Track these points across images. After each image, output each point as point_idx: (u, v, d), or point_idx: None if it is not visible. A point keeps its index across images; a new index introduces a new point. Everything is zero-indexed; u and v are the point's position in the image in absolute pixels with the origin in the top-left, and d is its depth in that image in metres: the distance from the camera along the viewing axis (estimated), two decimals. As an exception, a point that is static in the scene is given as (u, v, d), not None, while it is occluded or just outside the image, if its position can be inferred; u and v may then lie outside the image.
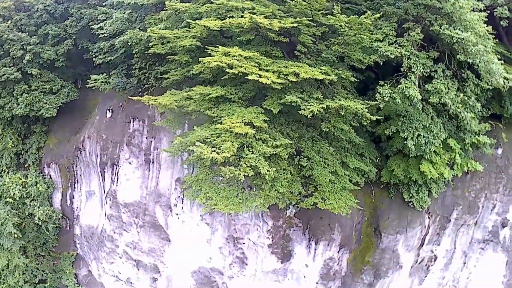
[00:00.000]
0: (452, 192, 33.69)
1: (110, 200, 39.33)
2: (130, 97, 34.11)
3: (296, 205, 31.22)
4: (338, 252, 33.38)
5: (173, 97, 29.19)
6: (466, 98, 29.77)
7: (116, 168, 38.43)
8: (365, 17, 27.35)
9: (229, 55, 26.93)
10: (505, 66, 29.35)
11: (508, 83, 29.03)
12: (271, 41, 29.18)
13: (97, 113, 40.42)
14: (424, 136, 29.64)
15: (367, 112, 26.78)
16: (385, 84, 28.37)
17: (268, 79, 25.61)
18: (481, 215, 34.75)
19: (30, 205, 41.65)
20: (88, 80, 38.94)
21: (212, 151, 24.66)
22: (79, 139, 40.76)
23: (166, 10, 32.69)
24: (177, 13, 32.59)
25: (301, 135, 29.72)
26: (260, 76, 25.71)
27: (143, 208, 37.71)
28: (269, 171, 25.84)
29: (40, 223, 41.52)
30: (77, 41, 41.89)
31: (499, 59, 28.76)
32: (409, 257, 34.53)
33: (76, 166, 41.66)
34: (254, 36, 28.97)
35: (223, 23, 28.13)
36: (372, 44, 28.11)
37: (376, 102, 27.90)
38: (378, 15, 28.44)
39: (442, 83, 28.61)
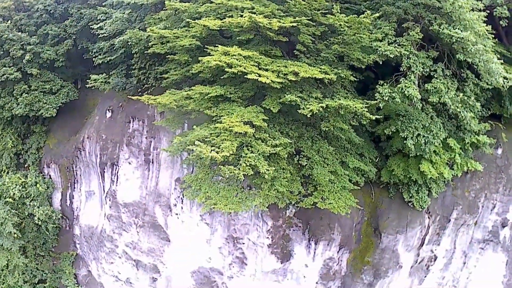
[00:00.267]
0: (452, 192, 33.67)
1: (109, 200, 39.32)
2: (130, 97, 34.15)
3: (295, 205, 31.20)
4: (338, 252, 33.35)
5: (172, 97, 29.21)
6: (465, 97, 29.74)
7: (116, 168, 38.43)
8: (364, 17, 27.35)
9: (229, 54, 26.95)
10: (504, 65, 29.34)
11: (508, 82, 28.99)
12: (271, 40, 29.19)
13: (96, 113, 40.43)
14: (423, 136, 29.63)
15: (367, 111, 26.79)
16: (385, 84, 28.37)
17: (268, 78, 25.62)
18: (481, 215, 34.72)
19: (29, 205, 41.61)
20: (87, 80, 38.91)
21: (211, 150, 24.68)
22: (78, 139, 40.75)
23: (166, 9, 32.72)
24: (176, 12, 32.64)
25: (300, 134, 29.70)
26: (260, 76, 25.73)
27: (143, 208, 37.70)
28: (268, 170, 25.81)
29: (39, 223, 41.47)
30: (77, 41, 41.89)
31: (498, 59, 28.76)
32: (409, 257, 34.50)
33: (75, 166, 41.65)
34: (254, 35, 29.01)
35: (223, 22, 28.15)
36: (371, 44, 28.13)
37: (375, 101, 27.90)
38: (377, 14, 28.44)
39: (441, 83, 28.61)
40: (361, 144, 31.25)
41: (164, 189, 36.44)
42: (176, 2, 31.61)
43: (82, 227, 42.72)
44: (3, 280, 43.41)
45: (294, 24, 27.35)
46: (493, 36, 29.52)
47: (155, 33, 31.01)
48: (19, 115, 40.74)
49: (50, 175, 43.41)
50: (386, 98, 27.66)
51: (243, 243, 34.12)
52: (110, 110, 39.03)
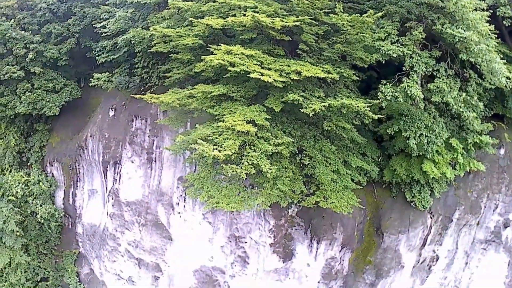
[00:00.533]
0: (454, 192, 33.67)
1: (112, 199, 39.41)
2: (133, 96, 34.17)
3: (298, 204, 31.19)
4: (340, 251, 33.35)
5: (175, 96, 29.23)
6: (468, 97, 29.73)
7: (119, 167, 38.51)
8: (367, 16, 27.33)
9: (231, 53, 26.95)
10: (507, 65, 29.33)
11: (511, 82, 28.99)
12: (274, 39, 29.19)
13: (99, 112, 40.50)
14: (426, 136, 29.59)
15: (369, 111, 26.79)
16: (387, 83, 28.35)
17: (270, 77, 25.61)
18: (483, 215, 34.71)
19: (32, 203, 41.68)
20: (91, 79, 38.98)
21: (214, 149, 24.70)
22: (81, 138, 40.83)
23: (169, 8, 32.73)
24: (179, 11, 32.68)
25: (303, 133, 29.71)
26: (262, 75, 25.71)
27: (145, 207, 37.76)
28: (270, 169, 25.82)
29: (42, 221, 41.58)
30: (80, 39, 41.92)
31: (501, 59, 28.73)
32: (411, 257, 34.50)
33: (78, 165, 41.74)
34: (257, 34, 29.02)
35: (226, 21, 28.16)
36: (374, 43, 28.11)
37: (378, 101, 27.89)
38: (380, 14, 28.38)
39: (444, 83, 28.58)
40: (363, 143, 31.23)
41: (166, 188, 36.49)
42: (179, 1, 31.63)
43: (84, 226, 42.81)
44: (6, 278, 43.52)
45: (297, 23, 27.32)
46: (496, 36, 29.49)
47: (158, 32, 31.05)
48: (22, 113, 40.77)
49: (53, 174, 43.50)
50: (389, 98, 27.63)
51: (245, 242, 34.15)
52: (113, 109, 39.11)
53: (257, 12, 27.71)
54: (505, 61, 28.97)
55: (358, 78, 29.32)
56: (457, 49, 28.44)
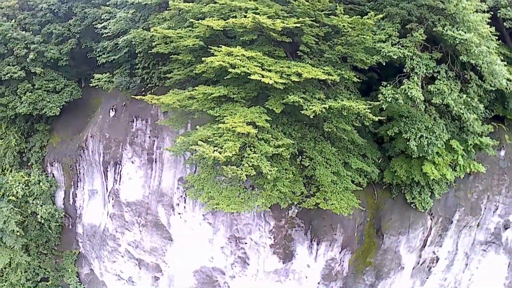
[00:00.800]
0: (455, 194, 33.67)
1: (112, 199, 39.43)
2: (133, 97, 34.19)
3: (298, 205, 31.21)
4: (340, 252, 33.37)
5: (176, 97, 29.23)
6: (469, 99, 29.74)
7: (119, 167, 38.53)
8: (368, 18, 27.32)
9: (232, 55, 26.95)
10: (508, 67, 29.33)
11: (511, 84, 28.98)
12: (274, 41, 29.20)
13: (100, 112, 40.52)
14: (426, 137, 29.60)
15: (370, 112, 26.80)
16: (388, 85, 28.35)
17: (271, 79, 25.62)
18: (484, 216, 34.72)
19: (32, 203, 41.72)
20: (91, 79, 39.00)
21: (214, 151, 24.71)
22: (82, 138, 40.86)
23: (170, 9, 32.75)
24: (180, 12, 32.69)
25: (303, 135, 29.72)
26: (263, 76, 25.71)
27: (146, 207, 37.79)
28: (271, 171, 25.84)
29: (42, 221, 41.64)
30: (80, 40, 41.95)
31: (502, 61, 28.75)
32: (411, 258, 34.51)
33: (79, 165, 41.77)
34: (257, 36, 29.02)
35: (226, 23, 28.15)
36: (375, 45, 28.09)
37: (378, 103, 27.89)
38: (381, 15, 28.40)
39: (445, 84, 28.59)
40: (364, 145, 31.24)
41: (167, 189, 36.52)
42: (180, 2, 31.63)
43: (85, 226, 42.84)
44: (6, 278, 43.61)
45: (298, 25, 27.33)
46: (496, 37, 29.49)
47: (159, 33, 31.03)
48: (22, 113, 40.83)
49: (53, 174, 43.53)
50: (389, 100, 27.64)
51: (246, 243, 34.17)
52: (113, 109, 39.13)
53: (258, 14, 27.70)
54: (505, 62, 28.98)
55: (358, 80, 29.30)
56: (457, 51, 28.42)
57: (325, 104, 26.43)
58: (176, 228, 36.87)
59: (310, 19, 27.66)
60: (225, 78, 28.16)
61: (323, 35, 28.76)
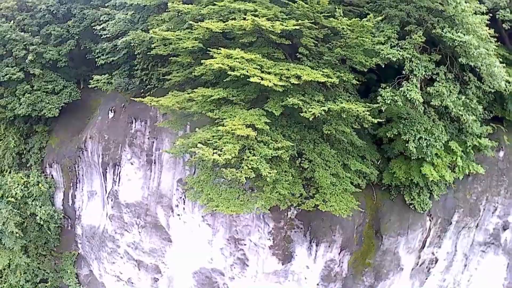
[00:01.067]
0: (454, 195, 33.71)
1: (111, 200, 39.42)
2: (133, 99, 34.16)
3: (297, 207, 31.22)
4: (339, 253, 33.40)
5: (175, 99, 29.24)
6: (468, 100, 29.82)
7: (118, 169, 38.53)
8: (367, 20, 27.34)
9: (231, 57, 26.95)
10: (507, 69, 29.33)
11: (510, 86, 29.05)
12: (273, 43, 29.16)
13: (99, 114, 40.50)
14: (425, 139, 29.65)
15: (369, 115, 26.80)
16: (387, 87, 28.38)
17: (270, 81, 25.62)
18: (482, 217, 34.76)
19: (32, 204, 41.67)
20: (90, 81, 38.99)
21: (214, 153, 24.77)
22: (81, 139, 40.84)
23: (169, 11, 32.69)
24: (179, 14, 32.64)
25: (302, 137, 29.74)
26: (262, 79, 25.71)
27: (145, 209, 37.79)
28: (270, 173, 25.88)
29: (41, 222, 41.61)
30: (79, 41, 41.93)
31: (501, 62, 28.82)
32: (410, 259, 34.56)
33: (78, 166, 41.76)
34: (256, 38, 29.03)
35: (226, 25, 28.12)
36: (374, 47, 28.07)
37: (378, 105, 27.91)
38: (380, 17, 28.40)
39: (444, 86, 28.63)
40: (363, 146, 31.26)
41: (166, 190, 36.52)
42: (179, 4, 31.58)
43: (84, 227, 42.83)
44: (5, 279, 43.61)
45: (297, 27, 27.33)
46: (495, 39, 29.50)
47: (158, 34, 30.96)
48: (21, 115, 40.84)
49: (52, 175, 43.51)
50: (388, 102, 27.68)
51: (245, 244, 34.20)
52: (112, 111, 39.10)
53: (257, 16, 27.68)
54: (504, 64, 29.02)
55: (357, 82, 29.32)
56: (456, 53, 28.46)
57: (324, 106, 26.47)
58: (175, 229, 36.89)
59: (309, 21, 27.69)
60: (224, 80, 28.16)
61: (322, 37, 28.80)
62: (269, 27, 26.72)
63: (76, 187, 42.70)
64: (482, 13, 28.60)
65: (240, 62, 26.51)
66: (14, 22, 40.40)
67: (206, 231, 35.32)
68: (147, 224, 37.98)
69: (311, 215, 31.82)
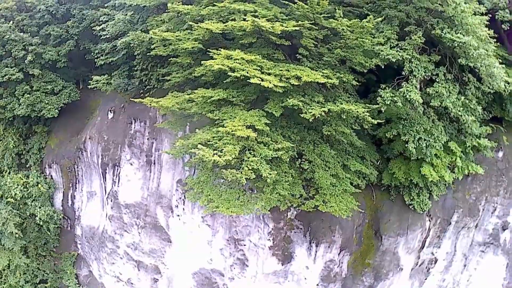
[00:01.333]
0: (453, 195, 33.78)
1: (111, 201, 39.41)
2: (132, 99, 34.15)
3: (297, 208, 31.25)
4: (338, 254, 33.44)
5: (175, 99, 29.24)
6: (467, 101, 29.87)
7: (118, 169, 38.51)
8: (366, 21, 27.38)
9: (231, 58, 26.96)
10: (506, 69, 29.41)
11: (509, 86, 29.23)
12: (273, 44, 29.16)
13: (98, 114, 40.48)
14: (425, 139, 29.69)
15: (369, 116, 26.84)
16: (387, 88, 28.43)
17: (270, 82, 25.64)
18: (482, 218, 34.84)
19: (31, 205, 41.68)
20: (89, 81, 38.92)
21: (214, 154, 24.78)
22: (80, 140, 40.82)
23: (168, 12, 32.68)
24: (179, 15, 32.61)
25: (302, 138, 29.76)
26: (262, 80, 25.73)
27: (144, 209, 37.79)
28: (270, 174, 25.90)
29: (41, 223, 41.62)
30: (79, 42, 41.87)
31: (500, 63, 28.91)
32: (410, 259, 34.61)
33: (77, 167, 41.74)
34: (256, 39, 29.02)
35: (225, 26, 28.13)
36: (373, 48, 28.11)
37: (377, 105, 27.97)
38: (379, 18, 28.44)
39: (443, 87, 28.69)
40: (362, 147, 31.29)
41: (165, 191, 36.52)
42: (178, 4, 31.59)
43: (83, 228, 42.82)
44: (5, 280, 43.57)
45: (297, 28, 27.33)
46: (495, 40, 29.59)
47: (158, 35, 30.94)
48: (21, 115, 40.81)
49: (51, 176, 43.49)
50: (388, 102, 27.73)
51: (245, 245, 34.22)
52: (112, 111, 39.09)
53: (257, 16, 27.70)
54: (504, 65, 29.09)
55: (357, 82, 29.34)
56: (456, 54, 28.52)
57: (324, 107, 26.49)
58: (175, 230, 36.89)
59: (309, 22, 27.68)
60: (224, 81, 28.16)
61: (322, 38, 28.80)
62: (269, 28, 26.74)
63: (76, 188, 42.69)
64: (482, 14, 28.74)
65: (240, 63, 26.51)
66: (13, 23, 40.36)
67: (205, 232, 35.33)
68: (147, 224, 37.98)
69: (311, 216, 31.84)
